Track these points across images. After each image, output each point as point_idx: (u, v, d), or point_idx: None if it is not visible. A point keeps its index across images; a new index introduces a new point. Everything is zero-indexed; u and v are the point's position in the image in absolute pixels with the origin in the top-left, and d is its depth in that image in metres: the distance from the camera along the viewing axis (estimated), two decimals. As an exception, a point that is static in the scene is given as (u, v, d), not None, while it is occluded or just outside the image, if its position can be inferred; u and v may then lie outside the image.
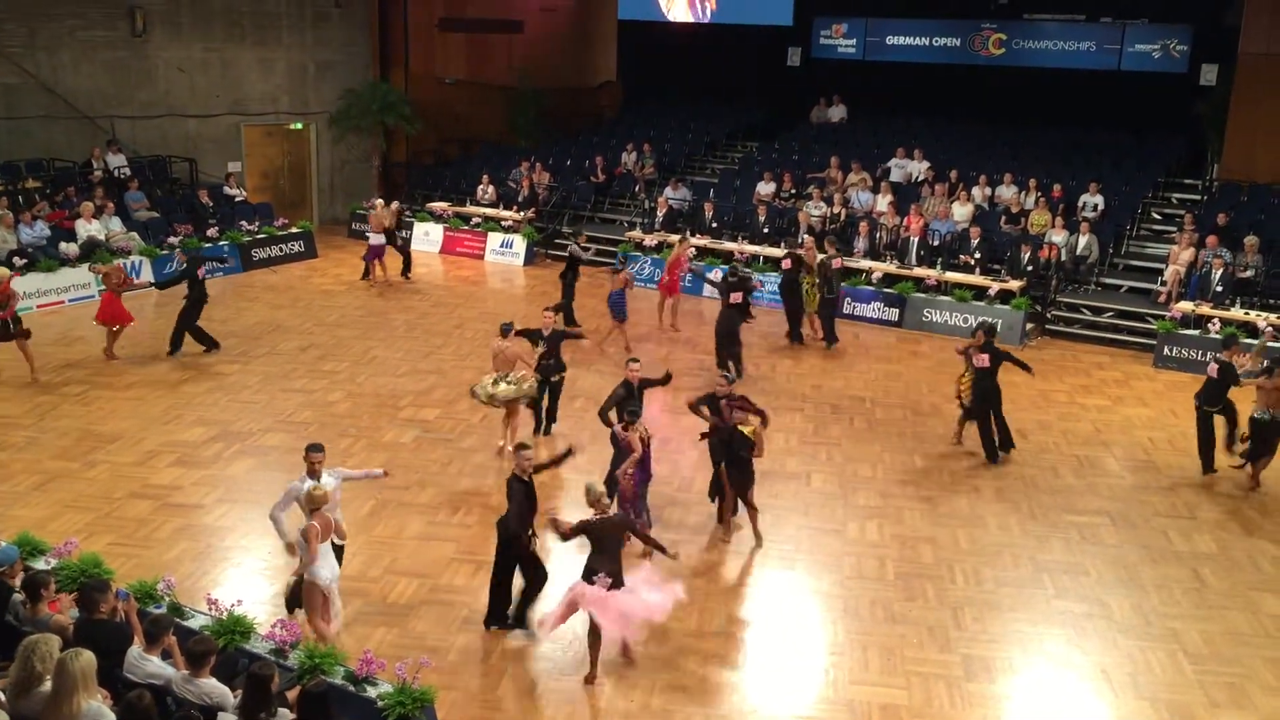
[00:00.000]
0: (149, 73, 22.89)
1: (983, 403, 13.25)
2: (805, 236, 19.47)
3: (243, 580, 10.10)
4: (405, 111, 25.53)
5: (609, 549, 8.68)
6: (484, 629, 9.34)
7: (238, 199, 22.95)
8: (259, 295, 19.85)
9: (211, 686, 6.93)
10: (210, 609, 8.30)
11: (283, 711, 6.75)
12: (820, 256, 17.70)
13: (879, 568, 10.65)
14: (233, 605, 8.24)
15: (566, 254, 18.69)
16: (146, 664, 7.05)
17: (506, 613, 9.42)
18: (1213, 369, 13.06)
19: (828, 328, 17.98)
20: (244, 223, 21.96)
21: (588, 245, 19.31)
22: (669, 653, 9.11)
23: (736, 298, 16.30)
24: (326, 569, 8.50)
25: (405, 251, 21.46)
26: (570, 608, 8.67)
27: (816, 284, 17.62)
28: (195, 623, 8.20)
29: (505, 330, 12.95)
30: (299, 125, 25.48)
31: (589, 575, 8.60)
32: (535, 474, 9.59)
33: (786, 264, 18.03)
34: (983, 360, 13.13)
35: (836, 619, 9.82)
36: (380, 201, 20.97)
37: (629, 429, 10.82)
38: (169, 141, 23.32)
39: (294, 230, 22.71)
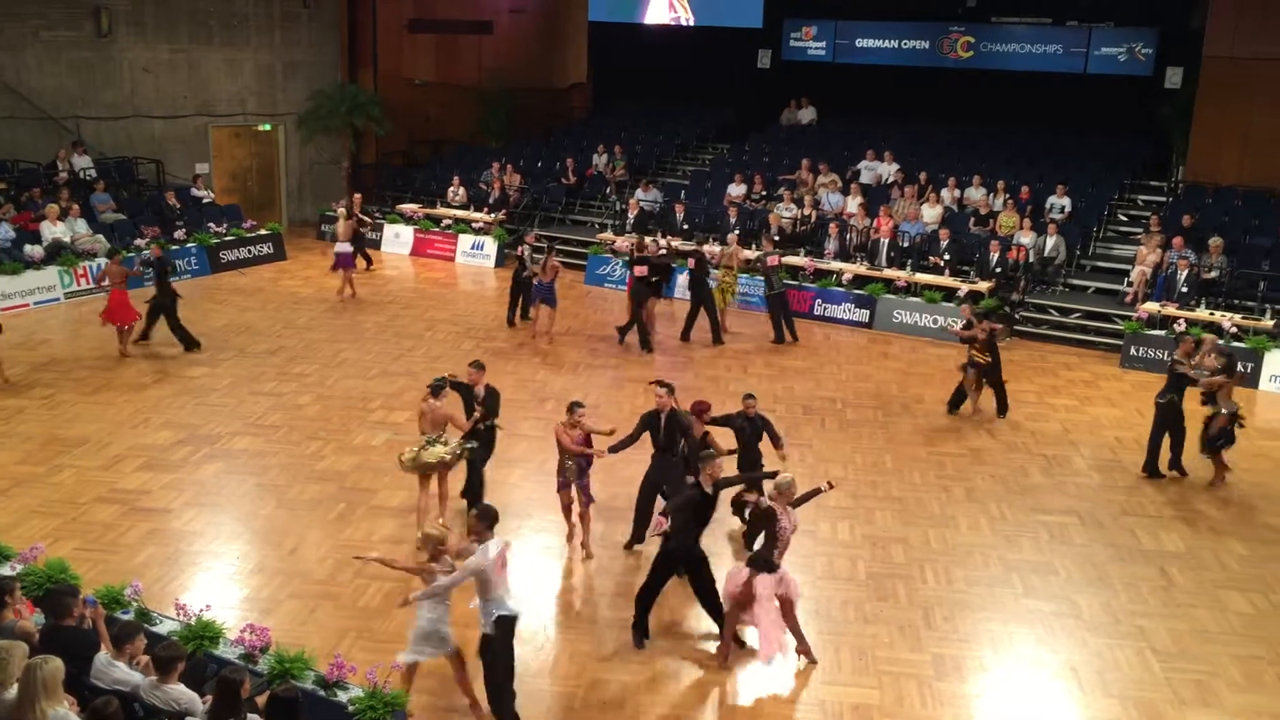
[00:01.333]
0: (114, 73, 22.68)
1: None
2: (731, 235, 19.66)
3: (212, 585, 10.01)
4: (375, 113, 25.42)
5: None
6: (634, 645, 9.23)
7: (205, 201, 22.77)
8: (227, 298, 19.70)
9: (180, 693, 6.86)
10: (179, 614, 8.23)
11: (252, 717, 6.69)
12: (756, 254, 17.97)
13: (850, 568, 10.69)
14: (201, 610, 8.17)
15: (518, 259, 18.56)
16: (113, 670, 6.97)
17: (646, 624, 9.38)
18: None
19: (778, 325, 18.14)
20: (212, 225, 21.79)
21: (540, 248, 19.16)
22: (644, 652, 9.10)
23: (640, 271, 17.05)
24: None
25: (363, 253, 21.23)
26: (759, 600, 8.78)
27: (731, 282, 18.37)
28: (163, 628, 8.13)
29: (436, 389, 11.03)
30: (267, 126, 25.31)
31: (768, 566, 8.86)
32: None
33: (690, 262, 18.13)
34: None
35: (808, 619, 9.82)
36: (343, 211, 20.64)
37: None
38: (135, 143, 23.11)
39: (262, 232, 22.56)
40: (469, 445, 11.11)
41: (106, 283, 16.20)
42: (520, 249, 18.42)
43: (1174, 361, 13.21)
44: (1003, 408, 14.97)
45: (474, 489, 11.41)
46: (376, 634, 9.31)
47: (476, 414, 11.20)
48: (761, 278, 18.56)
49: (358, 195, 21.59)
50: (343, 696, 7.49)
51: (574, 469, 10.72)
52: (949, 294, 18.81)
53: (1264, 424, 15.13)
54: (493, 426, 11.43)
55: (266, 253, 22.36)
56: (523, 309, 18.17)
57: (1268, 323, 17.20)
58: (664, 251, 18.36)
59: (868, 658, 9.20)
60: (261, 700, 6.88)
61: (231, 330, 17.68)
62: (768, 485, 9.36)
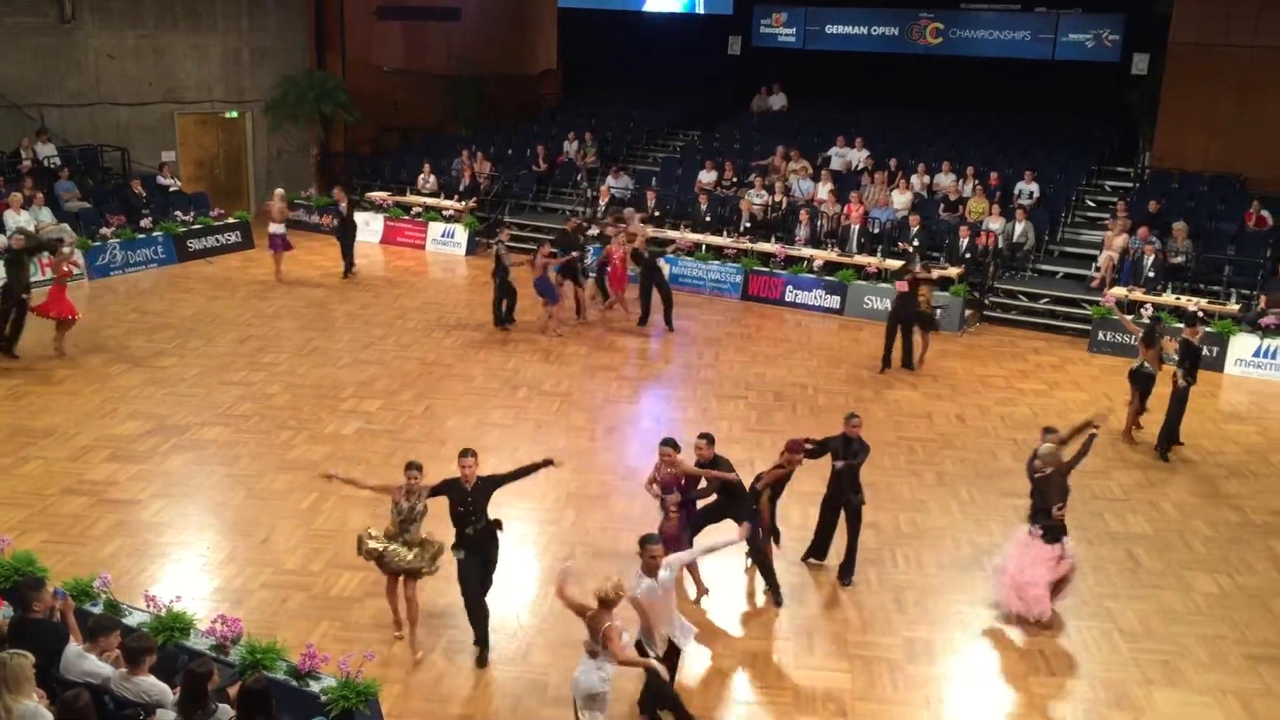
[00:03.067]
0: (78, 60, 22.38)
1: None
2: (628, 211, 19.90)
3: (181, 576, 9.95)
4: (343, 100, 25.22)
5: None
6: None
7: (172, 189, 22.52)
8: (195, 287, 19.53)
9: (150, 684, 6.82)
10: (148, 606, 8.18)
11: (224, 708, 6.67)
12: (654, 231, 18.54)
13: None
14: (171, 602, 8.12)
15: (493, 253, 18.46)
16: (83, 662, 6.92)
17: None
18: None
19: (647, 305, 18.21)
20: (179, 213, 21.57)
21: (512, 245, 19.06)
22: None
23: (544, 250, 17.22)
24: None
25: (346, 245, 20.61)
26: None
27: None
28: (133, 620, 8.08)
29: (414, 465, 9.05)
30: (234, 114, 25.08)
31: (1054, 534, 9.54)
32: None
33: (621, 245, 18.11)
34: (902, 286, 15.87)
35: (781, 606, 9.90)
36: (280, 193, 20.48)
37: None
38: (100, 130, 22.83)
39: (230, 221, 22.35)
40: (457, 554, 8.84)
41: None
42: (494, 245, 18.22)
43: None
44: (908, 360, 16.22)
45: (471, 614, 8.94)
46: (349, 624, 9.29)
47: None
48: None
49: (338, 189, 21.18)
50: (315, 687, 7.46)
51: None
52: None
53: (1229, 408, 15.31)
54: (489, 526, 8.94)
55: (234, 241, 22.16)
56: (507, 309, 17.88)
57: (1233, 307, 17.39)
58: (583, 229, 18.42)
59: (840, 642, 9.26)
60: (234, 691, 6.84)
61: (200, 319, 17.53)
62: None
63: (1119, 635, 9.51)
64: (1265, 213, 19.04)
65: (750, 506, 9.76)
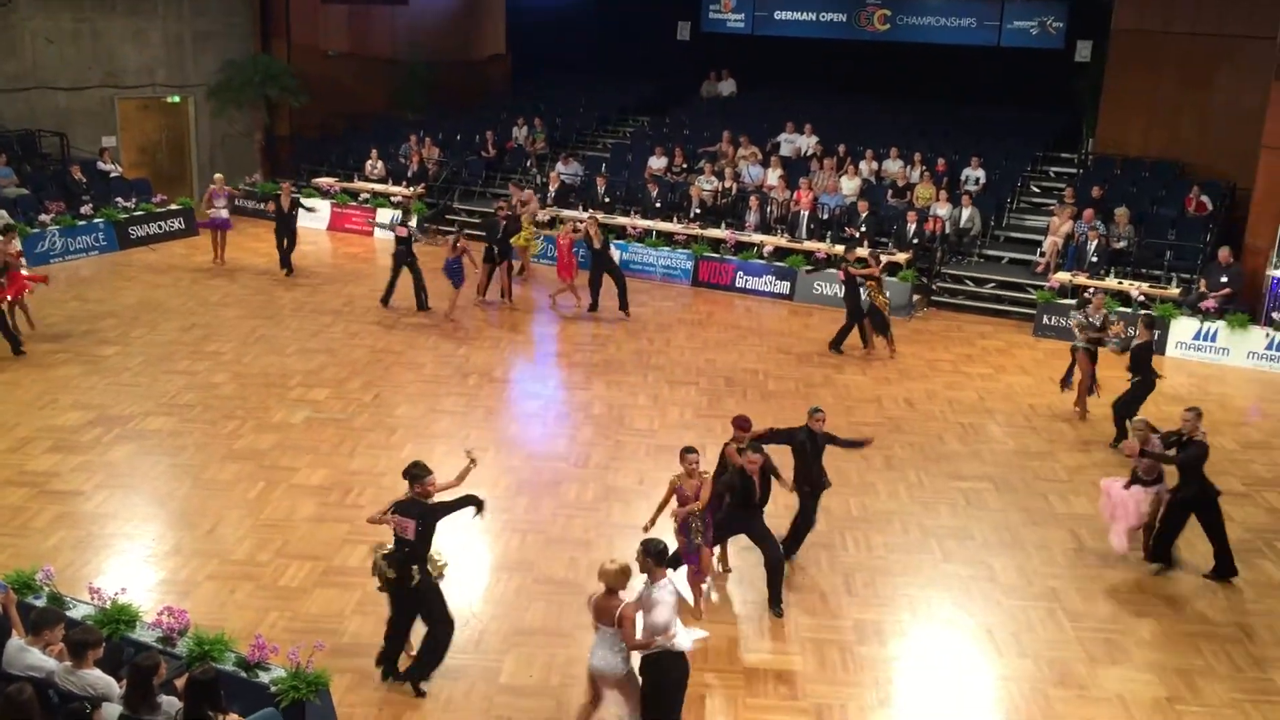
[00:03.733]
0: (15, 43, 21.86)
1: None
2: (520, 186, 20.50)
3: (126, 568, 9.81)
4: (289, 84, 24.87)
5: None
6: None
7: (113, 175, 22.12)
8: (137, 275, 19.22)
9: (95, 678, 6.73)
10: (93, 598, 8.05)
11: (171, 700, 6.59)
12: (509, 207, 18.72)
13: (775, 535, 10.77)
14: (116, 594, 8.00)
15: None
16: (26, 656, 6.81)
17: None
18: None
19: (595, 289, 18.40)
20: (120, 199, 21.20)
21: (425, 228, 19.49)
22: (568, 626, 9.12)
23: (401, 231, 17.59)
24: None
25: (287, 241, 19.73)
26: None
27: (531, 236, 18.92)
28: (77, 613, 7.95)
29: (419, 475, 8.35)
30: (176, 99, 24.64)
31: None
32: None
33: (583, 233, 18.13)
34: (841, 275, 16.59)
35: (731, 588, 9.96)
36: (219, 177, 20.43)
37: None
38: (38, 115, 22.33)
39: (173, 207, 22.02)
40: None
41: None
42: (447, 238, 18.16)
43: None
44: (838, 343, 16.52)
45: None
46: (298, 614, 9.21)
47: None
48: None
49: (287, 184, 20.75)
50: (264, 677, 7.39)
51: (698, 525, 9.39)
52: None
53: (1169, 390, 15.54)
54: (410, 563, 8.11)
55: (178, 228, 21.82)
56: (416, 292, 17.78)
57: (1173, 291, 17.70)
58: (505, 212, 18.53)
59: (790, 625, 9.33)
60: (181, 683, 6.76)
61: (142, 308, 17.25)
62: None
63: (1064, 614, 9.66)
64: (1205, 198, 19.37)
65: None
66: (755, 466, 9.44)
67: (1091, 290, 17.30)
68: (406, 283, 17.55)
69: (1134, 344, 13.44)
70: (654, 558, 7.46)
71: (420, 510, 8.07)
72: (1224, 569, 10.32)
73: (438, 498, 8.26)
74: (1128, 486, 10.57)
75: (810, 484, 10.25)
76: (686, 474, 9.33)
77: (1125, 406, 13.27)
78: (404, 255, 17.56)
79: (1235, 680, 8.80)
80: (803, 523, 10.38)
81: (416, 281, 17.57)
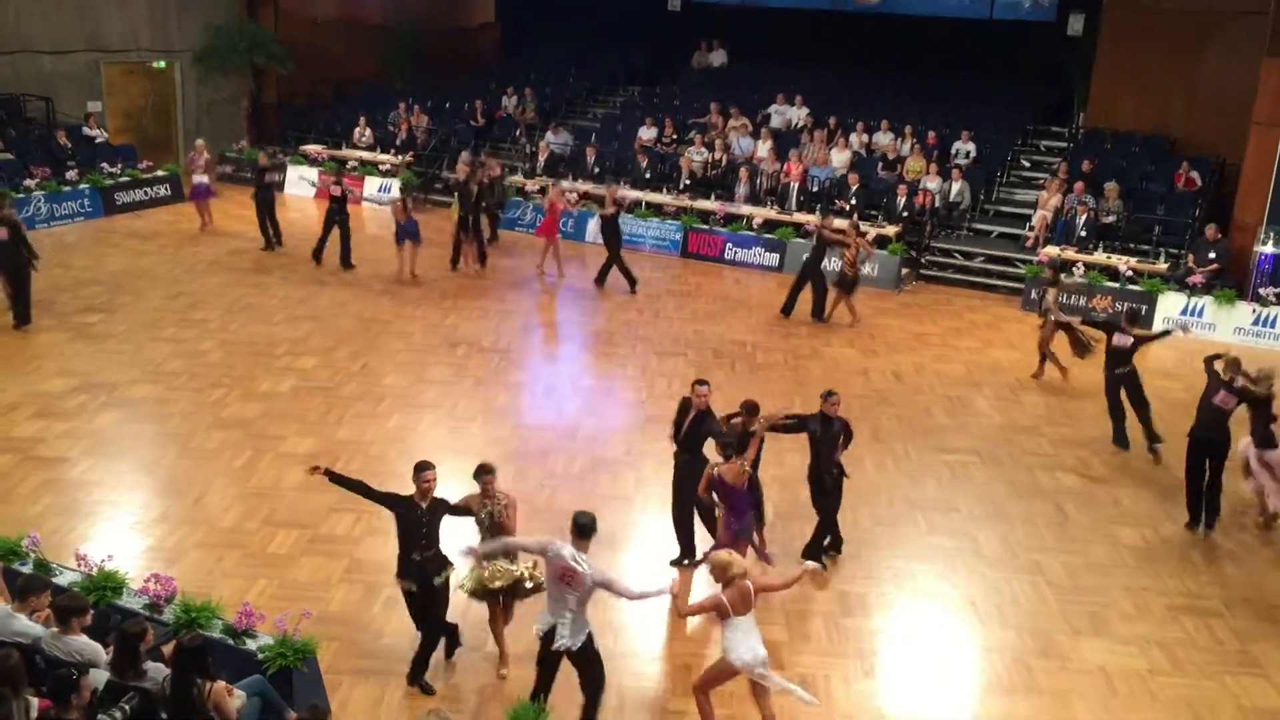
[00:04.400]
0: (-2, 6, 21.64)
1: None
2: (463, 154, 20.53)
3: (113, 535, 9.79)
4: (276, 51, 24.66)
5: None
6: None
7: (98, 140, 21.95)
8: (122, 241, 19.09)
9: (82, 644, 6.74)
10: (79, 565, 8.04)
11: (158, 667, 6.61)
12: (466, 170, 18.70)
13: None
14: (103, 561, 7.99)
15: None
16: (13, 622, 6.82)
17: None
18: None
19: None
20: (105, 165, 21.05)
21: (277, 162, 19.93)
22: (539, 599, 9.11)
23: (335, 191, 18.15)
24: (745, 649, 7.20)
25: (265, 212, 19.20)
26: None
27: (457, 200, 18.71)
28: (64, 579, 7.94)
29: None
30: (162, 64, 24.42)
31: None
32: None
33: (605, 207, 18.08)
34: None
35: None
36: (201, 143, 20.47)
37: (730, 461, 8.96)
38: (22, 79, 22.10)
39: (159, 174, 21.88)
40: (404, 586, 8.12)
41: None
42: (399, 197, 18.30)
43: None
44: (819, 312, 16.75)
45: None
46: (286, 582, 9.21)
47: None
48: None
49: (262, 155, 20.69)
50: (252, 645, 7.41)
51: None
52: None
53: (1156, 364, 15.61)
54: (439, 556, 8.03)
55: (164, 195, 21.70)
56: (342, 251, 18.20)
57: (1161, 266, 17.74)
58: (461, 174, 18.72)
59: (775, 597, 9.35)
60: (168, 650, 6.77)
61: (128, 275, 17.15)
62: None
63: (1047, 587, 9.73)
64: (1194, 173, 19.39)
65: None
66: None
67: (1080, 270, 17.36)
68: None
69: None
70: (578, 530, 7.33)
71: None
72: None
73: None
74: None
75: (828, 474, 9.78)
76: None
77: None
78: (335, 214, 18.01)
79: (1215, 653, 8.88)
80: (825, 522, 9.94)
81: (344, 241, 18.03)
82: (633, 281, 17.63)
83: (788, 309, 16.80)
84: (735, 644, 7.14)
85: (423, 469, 7.88)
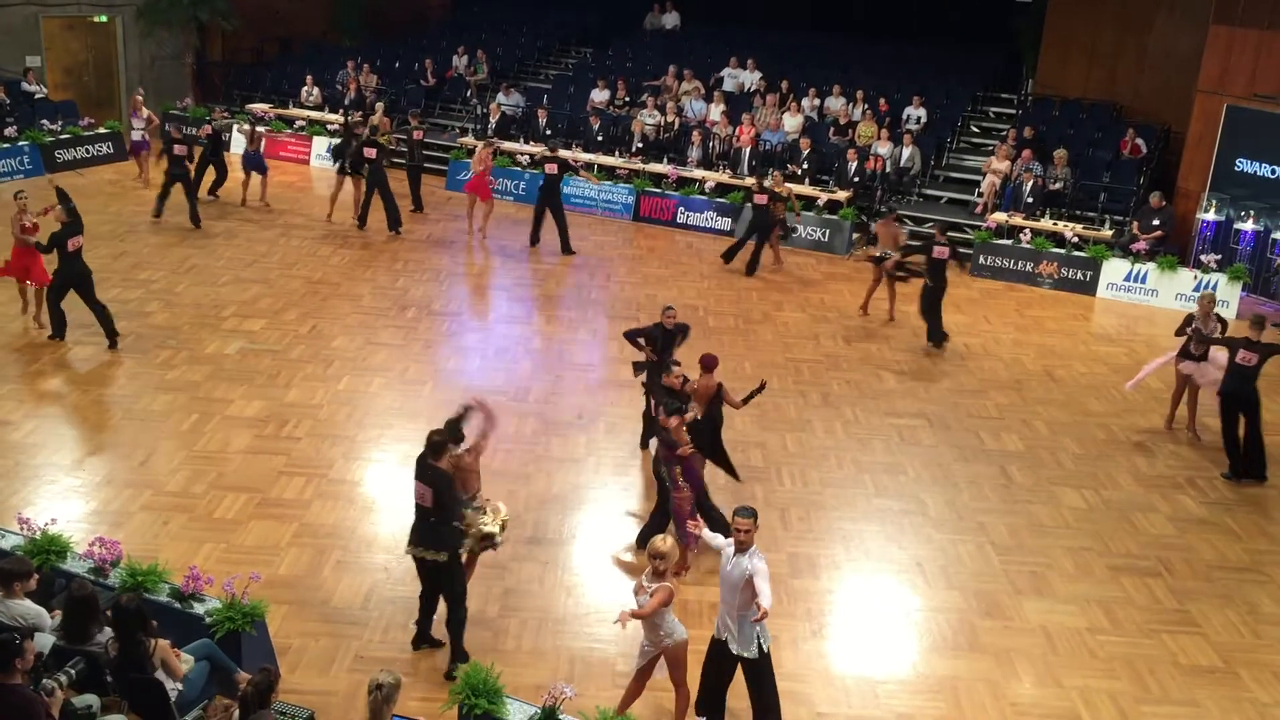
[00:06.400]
0: (-70, -45, 21.00)
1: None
2: (379, 105, 21.01)
3: (57, 498, 9.67)
4: (221, 6, 24.15)
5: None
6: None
7: (37, 96, 21.43)
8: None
9: (26, 608, 6.67)
10: (22, 528, 7.94)
11: (105, 629, 6.55)
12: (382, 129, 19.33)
13: (710, 472, 10.82)
14: (46, 524, 7.89)
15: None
16: (-47, 588, 6.72)
17: None
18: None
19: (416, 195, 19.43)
20: (45, 122, 20.57)
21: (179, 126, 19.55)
22: (503, 558, 9.15)
23: (205, 130, 19.06)
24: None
25: (215, 165, 19.23)
26: None
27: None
28: (6, 543, 7.85)
29: (455, 430, 8.30)
30: (103, 18, 23.84)
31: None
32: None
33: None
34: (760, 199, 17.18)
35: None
36: (139, 98, 20.42)
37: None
38: (-43, 33, 21.55)
39: (101, 131, 21.41)
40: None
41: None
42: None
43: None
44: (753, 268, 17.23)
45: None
46: (234, 546, 9.16)
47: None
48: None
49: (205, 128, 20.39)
50: (199, 609, 7.37)
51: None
52: (808, 202, 19.01)
53: (1099, 330, 15.89)
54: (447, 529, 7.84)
55: (106, 153, 21.26)
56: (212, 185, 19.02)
57: (1106, 233, 17.98)
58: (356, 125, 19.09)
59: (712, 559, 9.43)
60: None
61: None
62: None
63: (991, 548, 9.90)
64: (1140, 141, 19.60)
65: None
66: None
67: (1027, 235, 17.53)
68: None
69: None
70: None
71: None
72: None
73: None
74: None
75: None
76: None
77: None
78: (210, 153, 18.91)
79: (1153, 611, 9.10)
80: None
81: (219, 176, 19.11)
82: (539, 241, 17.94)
83: (729, 255, 17.51)
84: (675, 623, 7.12)
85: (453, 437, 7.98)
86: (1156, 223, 17.29)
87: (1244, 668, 8.44)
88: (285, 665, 7.66)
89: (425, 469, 7.73)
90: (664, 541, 7.01)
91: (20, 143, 19.83)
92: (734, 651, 7.05)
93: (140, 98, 20.29)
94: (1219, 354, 11.79)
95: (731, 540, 7.06)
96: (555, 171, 17.64)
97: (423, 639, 8.06)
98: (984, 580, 9.42)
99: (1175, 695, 8.10)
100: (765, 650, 7.08)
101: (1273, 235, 17.12)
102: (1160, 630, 8.85)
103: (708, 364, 10.11)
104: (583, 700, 7.03)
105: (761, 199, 17.02)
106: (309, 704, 7.17)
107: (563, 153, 19.21)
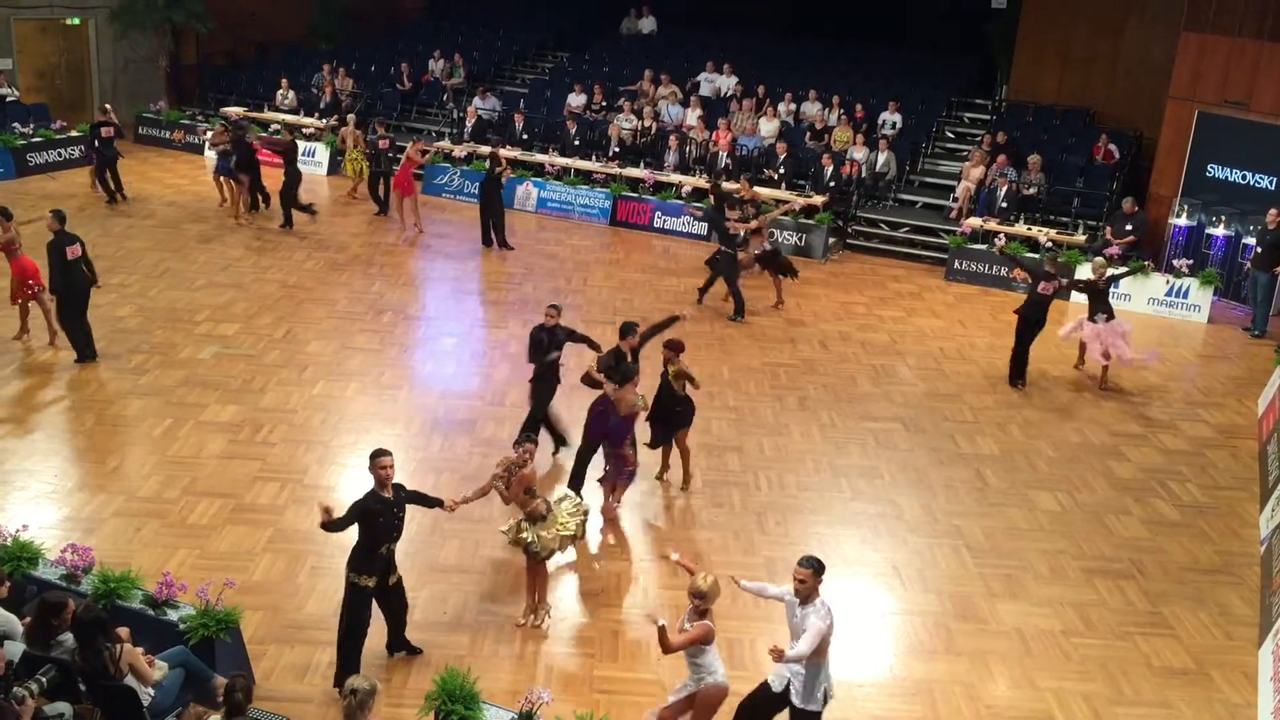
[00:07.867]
0: (-100, -44, 20.80)
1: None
2: (350, 117, 21.45)
3: (27, 505, 9.57)
4: (195, 9, 24.02)
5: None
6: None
7: (9, 99, 21.27)
8: (36, 204, 18.45)
9: (-4, 616, 6.60)
10: (-8, 536, 7.86)
11: (67, 635, 6.50)
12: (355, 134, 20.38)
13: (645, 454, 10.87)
14: (18, 531, 7.82)
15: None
16: (-78, 595, 6.65)
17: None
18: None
19: (385, 195, 19.59)
20: (17, 125, 20.40)
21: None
22: (481, 563, 9.14)
23: (107, 133, 18.75)
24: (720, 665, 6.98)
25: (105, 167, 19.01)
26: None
27: (359, 159, 20.47)
28: (-24, 551, 7.75)
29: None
30: (76, 20, 23.66)
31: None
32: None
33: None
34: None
35: (644, 528, 10.06)
36: (109, 106, 20.20)
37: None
38: (-73, 34, 21.34)
39: (74, 134, 21.25)
40: (365, 582, 7.57)
41: None
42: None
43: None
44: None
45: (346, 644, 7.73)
46: (207, 552, 9.09)
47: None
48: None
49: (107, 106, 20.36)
50: (173, 615, 7.31)
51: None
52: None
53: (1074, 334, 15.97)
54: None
55: (78, 156, 21.08)
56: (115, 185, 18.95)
57: (1080, 238, 18.10)
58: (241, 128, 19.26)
59: (703, 562, 9.45)
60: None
61: (41, 238, 16.59)
62: None
63: (966, 551, 9.95)
64: (1112, 146, 19.76)
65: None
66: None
67: (1001, 240, 17.61)
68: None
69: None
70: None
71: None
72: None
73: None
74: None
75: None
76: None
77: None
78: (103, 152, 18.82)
79: (1127, 614, 9.16)
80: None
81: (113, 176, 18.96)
82: (496, 242, 18.06)
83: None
84: (716, 663, 6.90)
85: (379, 455, 7.38)
86: (1129, 228, 17.43)
87: (1216, 669, 8.51)
88: (260, 672, 7.62)
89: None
90: (705, 580, 6.74)
91: (-9, 146, 19.68)
92: (796, 705, 6.81)
93: (109, 108, 19.85)
94: (1121, 323, 13.66)
95: (790, 588, 6.92)
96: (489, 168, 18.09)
97: (398, 644, 8.02)
98: (959, 583, 9.46)
99: (1148, 696, 8.16)
100: (828, 701, 6.91)
101: (1243, 240, 17.29)
102: (1133, 632, 8.91)
103: (675, 347, 10.86)
104: (560, 705, 7.02)
105: (737, 227, 15.88)
106: (284, 711, 7.14)
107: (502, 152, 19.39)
